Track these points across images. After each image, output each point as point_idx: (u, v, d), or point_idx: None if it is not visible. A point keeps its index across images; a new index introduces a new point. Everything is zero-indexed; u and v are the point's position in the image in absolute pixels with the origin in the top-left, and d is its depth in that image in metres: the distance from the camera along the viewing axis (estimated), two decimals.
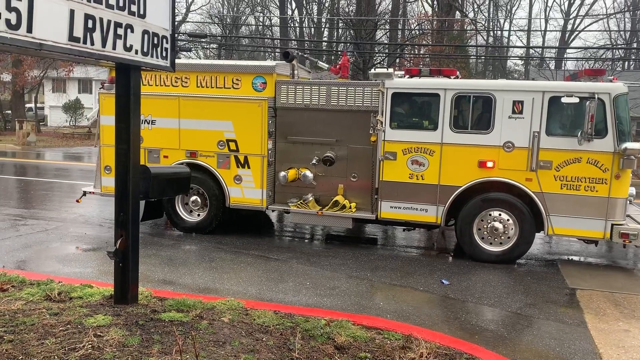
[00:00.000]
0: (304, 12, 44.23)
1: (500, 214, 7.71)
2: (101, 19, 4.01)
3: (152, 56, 4.65)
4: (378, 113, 7.97)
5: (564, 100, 7.27)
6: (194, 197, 8.90)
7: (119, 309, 4.80)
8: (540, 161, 7.43)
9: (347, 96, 8.23)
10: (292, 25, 44.45)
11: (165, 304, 5.03)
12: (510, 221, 7.66)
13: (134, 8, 4.36)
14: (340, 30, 39.12)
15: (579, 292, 6.63)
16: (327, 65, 10.46)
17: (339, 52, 29.25)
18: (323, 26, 42.37)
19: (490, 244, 7.80)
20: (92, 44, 3.96)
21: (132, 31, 4.36)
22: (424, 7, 39.21)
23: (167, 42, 4.82)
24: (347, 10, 35.53)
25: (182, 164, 8.63)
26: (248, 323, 4.68)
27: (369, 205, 8.33)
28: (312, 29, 43.48)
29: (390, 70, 8.24)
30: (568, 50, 38.71)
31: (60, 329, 4.30)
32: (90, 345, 3.98)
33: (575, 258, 8.58)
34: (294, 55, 8.96)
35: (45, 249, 7.82)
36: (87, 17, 3.88)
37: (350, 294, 6.23)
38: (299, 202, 8.49)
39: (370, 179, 8.27)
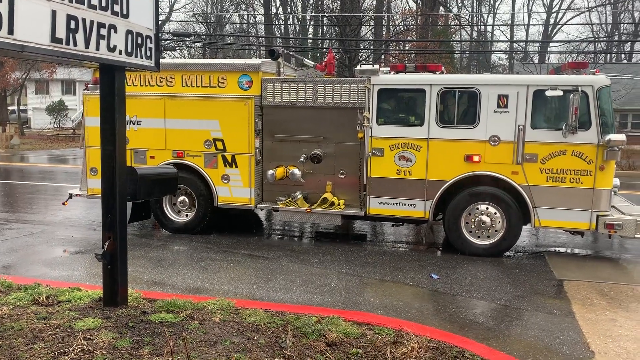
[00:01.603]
0: (289, 10, 44.12)
1: (487, 208, 7.77)
2: (84, 20, 3.97)
3: (136, 56, 4.61)
4: (365, 109, 7.99)
5: (548, 93, 7.33)
6: (181, 198, 8.86)
7: (108, 311, 4.77)
8: (526, 154, 7.49)
9: (333, 93, 8.23)
10: (276, 22, 44.32)
11: (155, 305, 5.00)
12: (498, 214, 7.73)
13: (117, 8, 4.32)
14: (325, 27, 39.10)
15: (566, 283, 6.71)
16: (312, 63, 10.45)
17: (325, 49, 29.26)
18: (308, 23, 42.31)
19: (478, 237, 7.86)
20: (75, 45, 3.92)
21: (116, 31, 4.32)
22: (407, 3, 39.37)
23: (151, 42, 4.79)
24: (331, 7, 35.49)
25: (168, 164, 8.58)
26: (239, 322, 4.68)
27: (358, 201, 8.35)
28: (297, 27, 43.41)
29: (376, 66, 8.26)
30: (551, 44, 39.05)
31: (49, 333, 4.27)
32: (80, 349, 3.96)
33: (562, 249, 8.68)
34: (280, 53, 8.94)
35: (32, 253, 7.74)
36: (70, 17, 3.84)
37: (341, 291, 6.25)
38: (287, 200, 8.49)
39: (358, 175, 8.29)
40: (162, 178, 5.56)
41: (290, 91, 8.40)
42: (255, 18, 47.14)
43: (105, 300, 4.93)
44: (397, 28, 33.94)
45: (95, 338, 4.16)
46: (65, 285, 5.62)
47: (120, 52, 4.41)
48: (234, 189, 8.59)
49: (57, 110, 42.92)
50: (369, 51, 29.15)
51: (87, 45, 4.03)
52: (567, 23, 45.02)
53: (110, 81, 4.71)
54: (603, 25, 43.64)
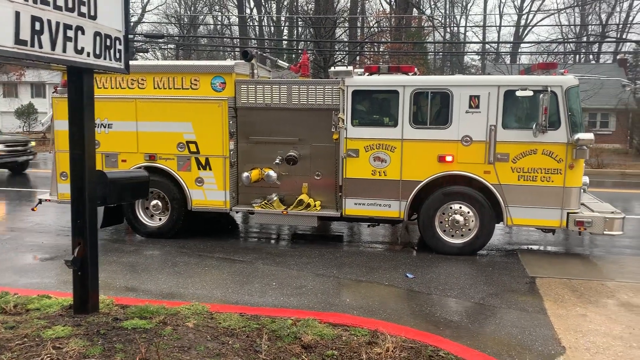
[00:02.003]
0: (263, 11, 43.98)
1: (460, 207, 7.86)
2: (49, 21, 3.88)
3: (105, 58, 4.52)
4: (339, 111, 8.00)
5: (519, 93, 7.45)
6: (154, 201, 8.74)
7: (79, 318, 4.66)
8: (498, 154, 7.60)
9: (308, 95, 8.22)
10: (251, 24, 44.15)
11: (127, 312, 4.91)
12: (471, 213, 7.82)
13: (84, 9, 4.23)
14: (299, 29, 39.10)
15: (538, 280, 6.82)
16: (287, 64, 10.42)
17: (299, 51, 29.25)
18: (282, 25, 42.25)
19: (452, 236, 7.94)
20: (41, 47, 3.82)
21: (83, 33, 4.23)
22: (381, 5, 39.63)
23: (120, 44, 4.70)
24: (306, 8, 35.53)
25: (141, 167, 8.46)
26: (213, 327, 4.63)
27: (334, 202, 8.35)
28: (272, 28, 43.30)
29: (350, 68, 8.29)
30: (522, 45, 39.76)
31: (17, 342, 4.15)
32: (49, 358, 3.86)
33: (534, 247, 8.82)
34: (253, 54, 8.90)
35: (1, 260, 7.54)
36: (34, 19, 3.75)
37: (317, 292, 6.24)
38: (263, 203, 8.45)
39: (334, 176, 8.29)
40: (134, 182, 5.47)
41: (264, 93, 8.37)
42: (229, 19, 46.89)
43: (76, 308, 4.82)
44: (372, 29, 34.15)
45: (65, 347, 4.07)
46: (35, 293, 5.49)
47: (88, 54, 4.32)
48: (209, 192, 8.51)
49: (27, 113, 41.89)
50: (344, 52, 29.25)
51: (53, 48, 3.94)
52: (538, 24, 45.84)
53: (79, 84, 4.61)
54: (572, 27, 44.68)
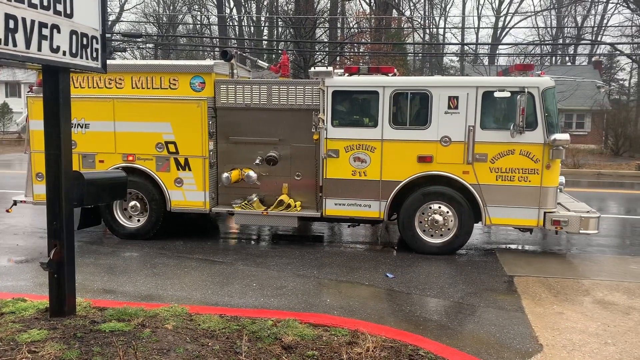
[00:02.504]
0: (243, 11, 43.79)
1: (440, 207, 7.92)
2: (24, 19, 3.81)
3: (81, 57, 4.46)
4: (319, 111, 8.00)
5: (496, 94, 7.55)
6: (133, 202, 8.63)
7: (55, 322, 4.58)
8: (476, 154, 7.68)
9: (288, 95, 8.21)
10: (231, 24, 43.90)
11: (105, 314, 4.85)
12: (450, 213, 7.89)
13: (59, 7, 4.16)
14: (279, 29, 39.02)
15: (516, 279, 6.91)
16: (267, 64, 10.40)
17: (279, 51, 29.17)
18: (262, 25, 42.12)
19: (432, 236, 8.00)
20: (15, 45, 3.75)
21: (59, 32, 4.16)
22: (361, 6, 39.78)
23: (97, 43, 4.64)
24: (286, 8, 35.48)
25: (118, 168, 8.35)
26: (193, 329, 4.59)
27: (314, 203, 8.35)
28: (252, 28, 43.14)
29: (330, 68, 8.29)
30: (500, 47, 40.28)
31: None
32: None
33: (512, 246, 8.94)
34: (233, 54, 8.85)
35: None
36: (8, 17, 3.67)
37: (297, 293, 6.23)
38: (243, 203, 8.41)
39: (314, 177, 8.29)
40: (111, 183, 5.40)
41: (244, 93, 8.33)
42: (208, 19, 46.58)
43: (52, 311, 4.74)
44: (351, 30, 34.25)
45: (40, 350, 3.99)
46: (9, 296, 5.38)
47: (64, 53, 4.25)
48: (188, 193, 8.44)
49: (1, 113, 41.05)
50: (324, 53, 29.28)
51: (27, 46, 3.87)
52: (515, 26, 46.57)
53: (54, 83, 4.54)
54: (548, 29, 45.40)
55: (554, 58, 43.96)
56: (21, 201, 8.99)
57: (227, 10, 43.75)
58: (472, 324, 5.43)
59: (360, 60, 30.56)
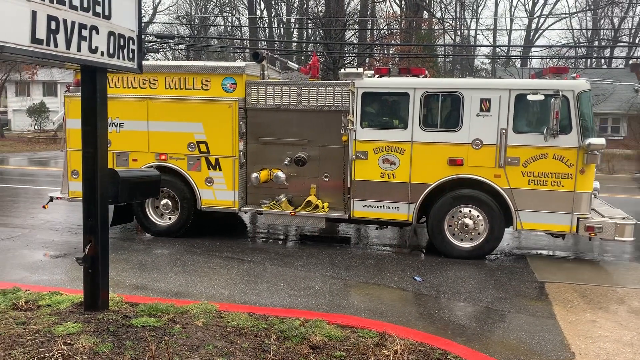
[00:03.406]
0: (273, 13, 44.10)
1: (470, 211, 7.83)
2: (65, 21, 3.93)
3: (118, 58, 4.57)
4: (349, 113, 8.01)
5: (530, 97, 7.42)
6: (164, 201, 8.79)
7: (89, 315, 4.70)
8: (508, 158, 7.57)
9: (317, 96, 8.24)
10: (261, 25, 44.25)
11: (137, 310, 4.95)
12: (480, 217, 7.79)
13: (98, 9, 4.28)
14: (309, 31, 39.16)
15: (547, 285, 6.78)
16: (297, 66, 10.44)
17: (309, 53, 29.27)
18: (292, 26, 42.32)
19: (461, 240, 7.92)
20: (56, 46, 3.87)
21: (97, 33, 4.28)
22: (392, 7, 39.60)
23: (133, 44, 4.75)
24: (316, 10, 35.59)
25: (151, 167, 8.51)
26: (222, 326, 4.65)
27: (342, 204, 8.36)
28: (282, 29, 43.39)
29: (360, 70, 8.29)
30: (533, 49, 39.58)
31: (28, 338, 4.20)
32: (59, 354, 3.90)
33: (544, 252, 8.78)
34: (264, 55, 8.93)
35: (12, 257, 7.61)
36: (50, 18, 3.80)
37: (325, 294, 6.24)
38: (271, 203, 8.47)
39: (343, 178, 8.30)
40: (145, 181, 5.50)
41: (274, 94, 8.39)
42: (239, 21, 47.07)
43: (86, 305, 4.87)
44: (381, 32, 34.14)
45: (75, 343, 4.10)
46: (46, 290, 5.54)
47: (102, 54, 4.37)
48: (218, 192, 8.54)
49: (38, 112, 42.28)
50: (353, 55, 29.25)
51: (68, 47, 3.99)
52: (549, 28, 45.67)
53: (92, 83, 4.66)
54: (583, 31, 44.37)
55: (589, 61, 42.94)
56: (57, 198, 9.24)
57: (258, 12, 44.13)
58: (502, 329, 5.35)
59: (390, 62, 30.43)
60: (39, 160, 24.04)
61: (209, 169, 8.51)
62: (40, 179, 17.23)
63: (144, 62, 5.63)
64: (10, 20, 3.49)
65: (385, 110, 8.27)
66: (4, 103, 45.44)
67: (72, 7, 4.00)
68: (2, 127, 37.34)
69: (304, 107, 8.29)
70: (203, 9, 46.25)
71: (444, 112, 7.84)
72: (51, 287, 5.85)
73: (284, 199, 8.41)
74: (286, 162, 8.39)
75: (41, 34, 3.73)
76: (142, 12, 5.00)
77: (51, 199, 9.31)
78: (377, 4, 37.37)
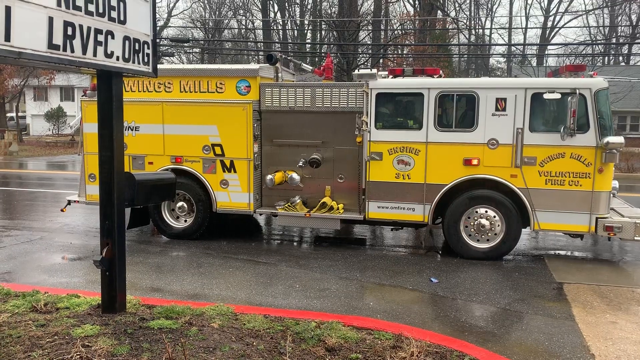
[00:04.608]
0: (287, 15, 44.24)
1: (486, 211, 7.76)
2: (81, 26, 3.97)
3: (133, 62, 4.61)
4: (363, 114, 7.99)
5: (546, 96, 7.33)
6: (180, 203, 8.85)
7: (106, 318, 4.75)
8: (525, 157, 7.49)
9: (331, 97, 8.23)
10: (275, 27, 44.42)
11: (153, 312, 4.98)
12: (497, 218, 7.72)
13: (114, 14, 4.32)
14: (323, 32, 39.18)
15: (566, 286, 6.69)
16: (310, 67, 10.46)
17: (323, 54, 29.30)
18: (306, 28, 42.40)
19: (478, 240, 7.85)
20: (73, 51, 3.92)
21: (113, 37, 4.32)
22: (405, 7, 39.46)
23: (148, 48, 4.79)
24: (329, 11, 35.62)
25: (167, 170, 8.57)
26: (238, 328, 4.66)
27: (357, 205, 8.34)
28: (295, 31, 43.50)
29: (374, 70, 8.26)
30: (549, 47, 39.16)
31: (47, 340, 4.25)
32: (78, 356, 3.94)
33: (562, 252, 8.66)
34: (278, 57, 8.95)
35: (30, 260, 7.72)
36: (67, 24, 3.84)
37: (340, 295, 6.23)
38: (286, 205, 8.48)
39: (357, 179, 8.28)
40: (161, 184, 5.54)
41: (288, 96, 8.40)
42: (253, 23, 47.27)
43: (104, 307, 4.91)
44: (395, 32, 34.04)
45: (93, 345, 4.15)
46: (64, 292, 5.61)
47: (117, 58, 4.41)
48: (233, 194, 8.58)
49: (56, 116, 42.89)
50: (367, 55, 29.20)
51: (84, 52, 4.03)
52: (565, 26, 45.14)
53: (108, 87, 4.71)
54: (600, 28, 43.79)
55: (606, 58, 42.34)
56: (74, 201, 9.35)
57: (271, 14, 44.30)
58: (520, 331, 5.29)
59: (404, 63, 30.33)
60: (57, 164, 24.38)
61: (224, 171, 8.55)
62: (58, 183, 17.46)
63: (159, 66, 5.69)
64: (27, 26, 3.54)
65: (399, 110, 8.24)
66: (22, 108, 46.13)
67: (88, 13, 4.04)
68: (20, 131, 37.92)
69: (318, 109, 8.29)
70: (217, 12, 46.56)
71: (459, 112, 7.79)
72: (69, 290, 5.92)
73: (298, 201, 8.42)
74: (301, 163, 8.39)
75: (58, 39, 3.77)
76: (157, 16, 5.04)
77: (69, 202, 9.43)
78: (391, 4, 37.29)
